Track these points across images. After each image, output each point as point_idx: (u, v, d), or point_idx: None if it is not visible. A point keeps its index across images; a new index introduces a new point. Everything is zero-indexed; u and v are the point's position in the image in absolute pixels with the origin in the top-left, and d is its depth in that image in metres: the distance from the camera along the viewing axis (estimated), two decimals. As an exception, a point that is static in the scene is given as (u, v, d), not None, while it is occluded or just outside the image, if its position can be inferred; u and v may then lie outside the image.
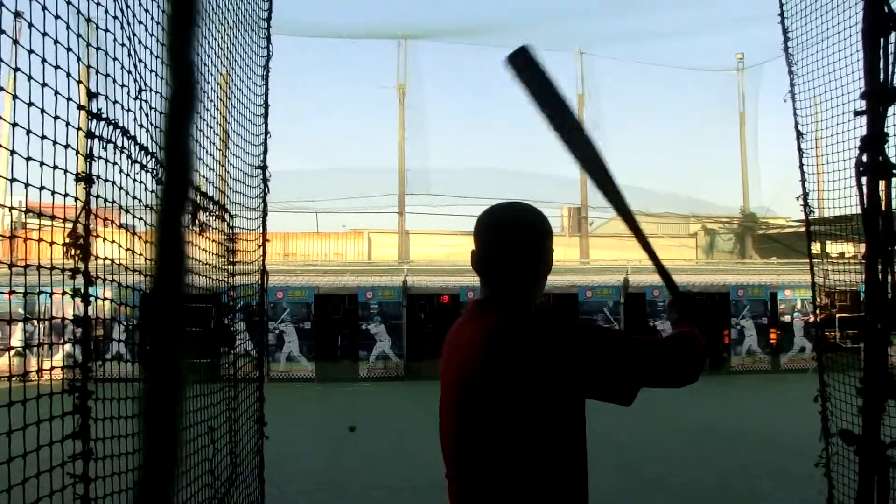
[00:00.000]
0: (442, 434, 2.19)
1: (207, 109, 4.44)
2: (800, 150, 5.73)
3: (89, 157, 2.80)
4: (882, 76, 2.25)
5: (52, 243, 2.78)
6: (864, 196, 2.26)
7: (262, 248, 5.86)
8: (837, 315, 19.61)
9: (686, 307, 2.37)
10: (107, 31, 2.93)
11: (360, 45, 46.19)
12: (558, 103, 2.33)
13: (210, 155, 4.51)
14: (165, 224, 0.59)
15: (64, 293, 2.77)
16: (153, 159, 3.20)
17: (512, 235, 2.06)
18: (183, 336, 0.61)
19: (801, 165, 5.70)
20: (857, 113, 2.38)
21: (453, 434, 2.10)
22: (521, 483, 1.94)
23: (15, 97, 2.41)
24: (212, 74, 4.53)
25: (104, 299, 3.12)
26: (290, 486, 8.35)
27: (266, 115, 5.76)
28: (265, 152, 5.71)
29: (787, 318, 22.22)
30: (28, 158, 2.46)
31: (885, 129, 2.27)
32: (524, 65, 2.29)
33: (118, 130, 2.96)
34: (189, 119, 0.61)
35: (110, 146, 2.92)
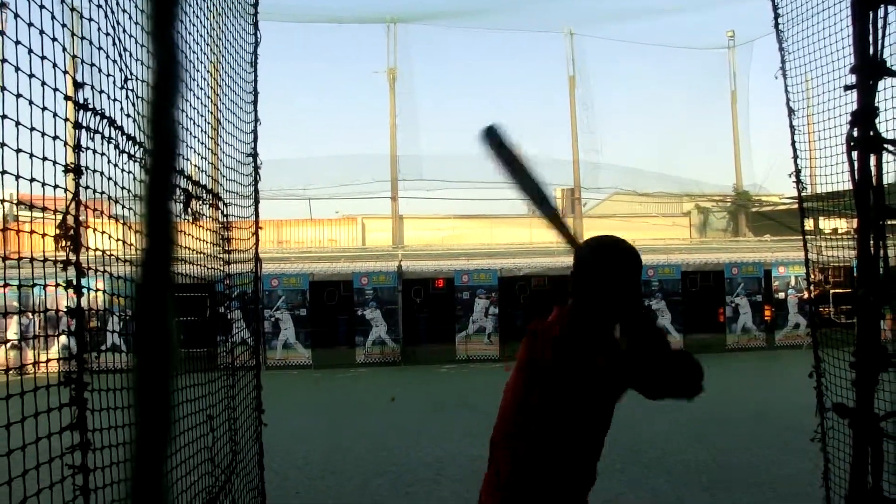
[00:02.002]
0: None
1: (198, 98, 4.42)
2: (791, 126, 5.72)
3: (77, 147, 2.78)
4: (872, 50, 2.24)
5: (43, 235, 2.77)
6: (856, 170, 2.26)
7: (254, 235, 5.85)
8: (831, 291, 19.68)
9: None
10: (91, 20, 2.91)
11: (349, 30, 46.01)
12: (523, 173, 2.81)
13: (202, 143, 4.49)
14: (153, 202, 0.59)
15: (57, 285, 2.76)
16: (141, 148, 3.19)
17: (583, 267, 2.63)
18: (173, 321, 0.60)
19: (794, 142, 5.70)
20: (847, 87, 2.38)
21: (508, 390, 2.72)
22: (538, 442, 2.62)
23: (3, 88, 2.39)
24: (201, 62, 4.51)
25: (97, 290, 3.11)
26: (290, 473, 8.39)
27: (256, 103, 5.73)
28: (255, 140, 5.69)
29: (781, 296, 22.29)
30: (17, 150, 2.45)
31: (876, 103, 2.26)
32: (493, 142, 2.76)
33: (105, 120, 2.95)
34: (173, 93, 0.60)
35: (98, 136, 2.91)
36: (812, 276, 6.29)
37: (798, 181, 5.68)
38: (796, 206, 6.21)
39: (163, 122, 0.60)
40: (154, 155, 0.60)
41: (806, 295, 20.29)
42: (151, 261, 0.60)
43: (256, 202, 5.81)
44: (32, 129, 2.51)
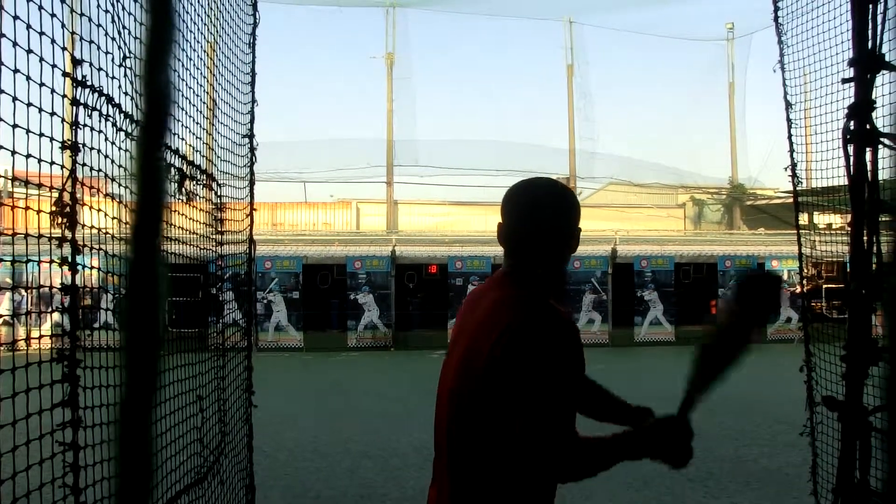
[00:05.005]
0: (440, 388, 2.23)
1: (194, 77, 4.40)
2: (788, 120, 5.72)
3: (75, 124, 2.77)
4: (870, 43, 2.24)
5: (38, 212, 2.76)
6: (851, 164, 2.27)
7: (249, 217, 5.84)
8: (824, 286, 19.73)
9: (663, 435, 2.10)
10: (91, -4, 2.89)
11: (348, 13, 45.88)
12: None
13: (197, 123, 4.48)
14: (144, 167, 0.59)
15: (51, 262, 2.76)
16: (134, 123, 3.18)
17: (540, 212, 2.10)
18: (160, 295, 0.60)
19: (790, 136, 5.70)
20: (844, 80, 2.38)
21: (450, 394, 2.14)
22: (500, 455, 1.99)
23: (0, 64, 2.38)
24: (198, 42, 4.49)
25: (92, 268, 3.11)
26: (279, 455, 8.41)
27: (253, 84, 5.71)
28: (252, 121, 5.67)
29: (773, 289, 22.34)
30: (14, 126, 2.44)
31: (873, 97, 2.26)
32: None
33: (103, 98, 2.94)
34: (167, 52, 0.60)
35: (95, 114, 2.90)
36: (805, 271, 6.31)
37: (794, 175, 5.68)
38: (791, 200, 6.21)
39: (155, 83, 0.59)
40: (146, 116, 0.59)
41: (798, 289, 20.35)
42: (142, 229, 0.60)
43: (252, 184, 5.79)
44: (30, 104, 2.50)
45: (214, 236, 5.05)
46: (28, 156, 2.53)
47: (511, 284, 2.12)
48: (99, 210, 3.14)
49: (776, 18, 5.66)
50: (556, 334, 1.95)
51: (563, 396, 1.94)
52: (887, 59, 2.24)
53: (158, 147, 0.59)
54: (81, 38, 2.84)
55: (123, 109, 3.11)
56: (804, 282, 6.67)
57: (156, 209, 0.58)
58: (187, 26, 4.23)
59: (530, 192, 2.15)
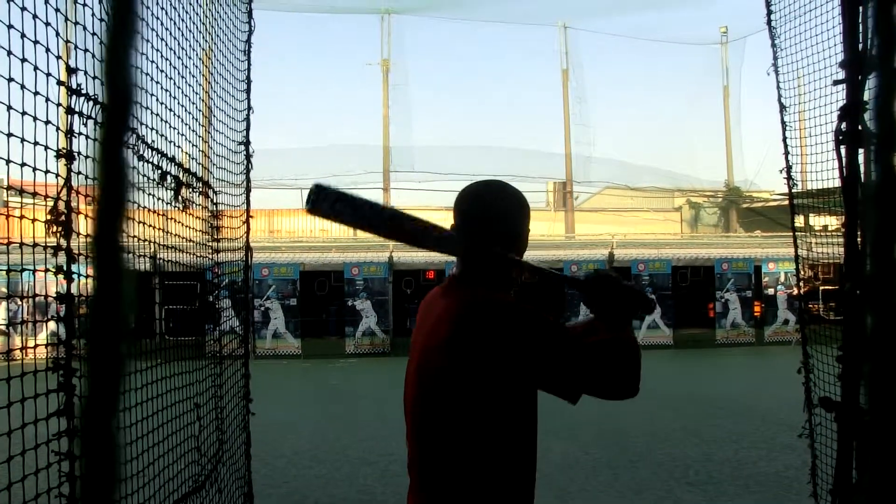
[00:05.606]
0: (405, 398, 2.26)
1: (190, 85, 4.41)
2: (783, 123, 5.73)
3: (70, 133, 2.78)
4: (861, 45, 2.25)
5: (34, 220, 2.76)
6: (844, 165, 2.27)
7: (245, 224, 5.84)
8: (821, 287, 19.76)
9: (598, 292, 2.29)
10: (84, 4, 2.89)
11: (344, 20, 45.96)
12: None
13: (193, 131, 4.48)
14: (107, 164, 0.58)
15: (46, 270, 2.75)
16: (133, 135, 3.18)
17: (488, 212, 2.14)
18: (125, 304, 0.60)
19: (785, 138, 5.70)
20: (836, 82, 2.39)
21: (413, 400, 2.17)
22: (470, 454, 2.01)
23: (-6, 73, 2.39)
24: (193, 50, 4.49)
25: (87, 276, 3.11)
26: (277, 463, 8.39)
27: (249, 91, 5.72)
28: (248, 128, 5.68)
29: (770, 291, 22.37)
30: (9, 135, 2.44)
31: (865, 98, 2.27)
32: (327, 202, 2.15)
33: (98, 106, 2.94)
34: (128, 46, 0.59)
35: (90, 122, 2.90)
36: (802, 273, 6.32)
37: (789, 177, 5.68)
38: (787, 202, 6.22)
39: (118, 77, 0.59)
40: (108, 113, 0.59)
41: (795, 291, 20.37)
42: (104, 231, 0.59)
43: (248, 191, 5.80)
44: (24, 113, 2.51)
45: (211, 244, 5.05)
46: (23, 164, 2.53)
47: (459, 287, 2.17)
48: (94, 218, 3.13)
49: (769, 22, 5.67)
50: (501, 310, 2.00)
51: (551, 339, 1.99)
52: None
53: (121, 146, 0.58)
54: (76, 47, 2.85)
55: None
56: (801, 284, 6.68)
57: (118, 212, 0.58)
58: (183, 34, 4.24)
59: (482, 194, 2.19)
